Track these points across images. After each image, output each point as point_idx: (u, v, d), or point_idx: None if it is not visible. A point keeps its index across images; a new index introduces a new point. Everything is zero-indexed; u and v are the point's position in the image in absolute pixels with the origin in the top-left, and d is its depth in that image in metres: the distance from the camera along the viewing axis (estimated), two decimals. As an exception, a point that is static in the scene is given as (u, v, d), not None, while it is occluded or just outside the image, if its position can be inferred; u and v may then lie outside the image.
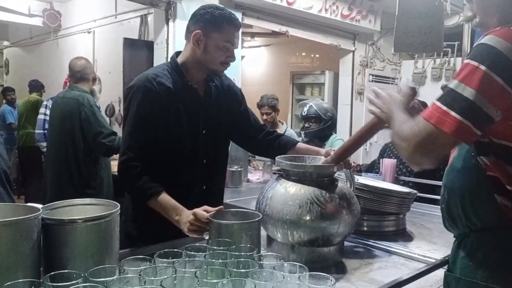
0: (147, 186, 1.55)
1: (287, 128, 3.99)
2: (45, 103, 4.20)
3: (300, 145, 1.88)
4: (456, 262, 1.15)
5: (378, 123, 1.34)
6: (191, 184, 1.71)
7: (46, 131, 3.90)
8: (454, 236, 1.22)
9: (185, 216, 1.47)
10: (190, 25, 1.68)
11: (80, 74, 3.17)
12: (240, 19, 4.46)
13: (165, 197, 1.54)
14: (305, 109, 3.39)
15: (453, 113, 0.99)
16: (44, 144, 3.89)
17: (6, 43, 8.19)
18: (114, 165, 3.49)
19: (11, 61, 8.29)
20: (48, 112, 3.91)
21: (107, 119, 5.44)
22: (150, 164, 1.59)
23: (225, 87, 1.83)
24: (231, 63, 1.71)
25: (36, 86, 6.04)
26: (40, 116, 4.10)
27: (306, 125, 3.39)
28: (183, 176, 1.69)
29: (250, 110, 1.92)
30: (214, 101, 1.76)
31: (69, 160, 3.04)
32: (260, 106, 3.84)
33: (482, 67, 0.98)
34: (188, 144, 1.68)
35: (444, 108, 1.01)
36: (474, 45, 1.04)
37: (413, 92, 1.27)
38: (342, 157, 1.50)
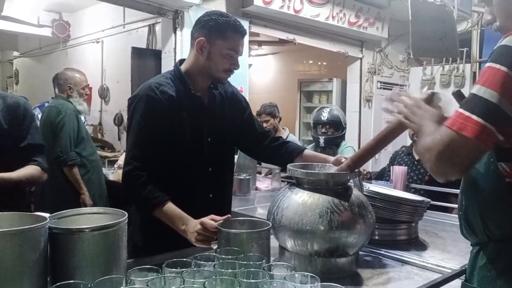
0: (152, 195, 1.53)
1: (289, 135, 3.98)
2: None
3: (307, 152, 1.85)
4: (474, 272, 1.12)
5: (398, 129, 1.31)
6: (197, 193, 1.69)
7: None
8: (471, 245, 1.18)
9: (192, 225, 1.45)
10: (194, 32, 1.66)
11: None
12: (247, 28, 4.50)
13: (170, 207, 1.52)
14: (325, 114, 3.33)
15: (474, 117, 0.96)
16: None
17: (16, 53, 8.29)
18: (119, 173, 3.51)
19: (20, 71, 8.38)
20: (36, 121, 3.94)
21: (115, 128, 5.47)
22: (155, 174, 1.58)
23: (229, 94, 1.81)
24: (237, 71, 1.70)
25: None
26: None
27: (324, 130, 3.35)
28: (189, 184, 1.67)
29: (254, 117, 1.91)
30: (218, 108, 1.74)
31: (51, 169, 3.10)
32: (258, 114, 3.85)
33: (504, 69, 0.95)
34: (193, 153, 1.66)
35: (466, 113, 0.97)
36: (495, 47, 1.01)
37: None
38: (358, 164, 1.47)
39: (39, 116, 3.90)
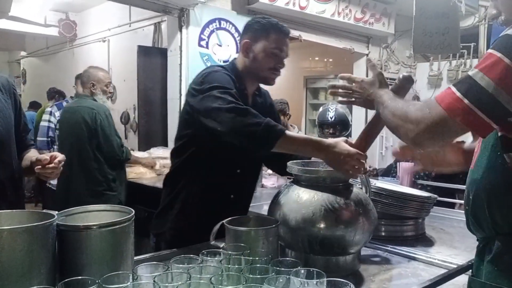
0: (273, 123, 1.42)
1: (299, 133, 3.95)
2: (48, 109, 4.08)
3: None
4: (481, 267, 1.11)
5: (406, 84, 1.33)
6: (220, 192, 1.70)
7: (49, 139, 3.91)
8: (478, 239, 1.17)
9: (345, 147, 1.35)
10: (241, 38, 1.74)
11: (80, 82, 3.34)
12: (253, 25, 4.49)
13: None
14: (331, 113, 3.25)
15: (466, 101, 0.95)
16: (46, 152, 3.91)
17: (23, 53, 8.36)
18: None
19: (28, 71, 8.45)
20: (52, 119, 3.93)
21: (122, 126, 5.50)
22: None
23: (268, 104, 1.86)
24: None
25: (50, 94, 5.97)
26: (44, 123, 3.97)
27: (331, 131, 3.25)
28: (214, 181, 1.68)
29: None
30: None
31: (85, 166, 3.08)
32: None
33: (506, 60, 0.92)
34: (228, 150, 1.61)
35: (458, 94, 0.96)
36: (500, 35, 0.98)
37: (409, 81, 1.24)
38: (364, 149, 1.41)
39: (56, 114, 3.93)
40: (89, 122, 3.04)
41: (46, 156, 1.55)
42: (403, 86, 1.34)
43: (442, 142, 1.03)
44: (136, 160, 3.69)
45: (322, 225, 1.29)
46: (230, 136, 1.43)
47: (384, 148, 5.67)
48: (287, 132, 1.41)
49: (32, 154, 1.70)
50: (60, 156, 1.56)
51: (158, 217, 1.77)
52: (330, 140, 1.40)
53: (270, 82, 1.75)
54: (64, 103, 4.07)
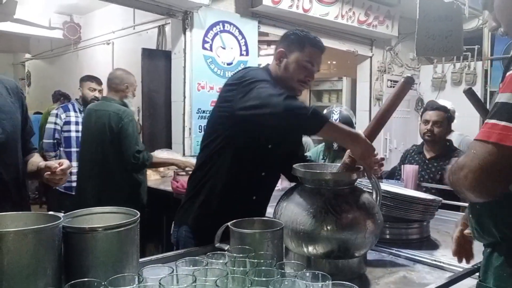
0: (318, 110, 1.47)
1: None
2: (54, 111, 4.07)
3: None
4: (489, 271, 1.10)
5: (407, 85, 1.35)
6: (243, 193, 1.73)
7: (55, 141, 3.92)
8: (484, 246, 1.16)
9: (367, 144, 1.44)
10: (277, 46, 1.78)
11: (108, 84, 3.26)
12: (256, 28, 4.50)
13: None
14: (335, 116, 3.19)
15: None
16: (52, 154, 3.92)
17: (27, 55, 8.40)
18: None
19: (32, 73, 8.49)
20: (58, 121, 3.93)
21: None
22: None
23: None
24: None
25: (55, 96, 5.98)
26: (50, 126, 3.96)
27: None
28: (240, 182, 1.71)
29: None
30: None
31: (114, 173, 3.07)
32: None
33: None
34: (257, 151, 1.71)
35: (503, 123, 0.92)
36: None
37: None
38: (372, 137, 1.46)
39: (62, 116, 3.94)
40: (113, 126, 3.01)
41: (55, 163, 1.58)
42: (406, 84, 1.37)
43: (504, 180, 0.95)
44: (166, 161, 3.47)
45: (322, 228, 1.28)
46: (281, 118, 1.46)
47: (388, 150, 5.66)
48: (331, 120, 1.48)
49: (36, 159, 1.72)
50: (65, 164, 1.58)
51: (181, 209, 1.81)
52: (361, 133, 1.46)
53: (297, 92, 1.78)
54: (70, 106, 4.08)
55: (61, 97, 5.90)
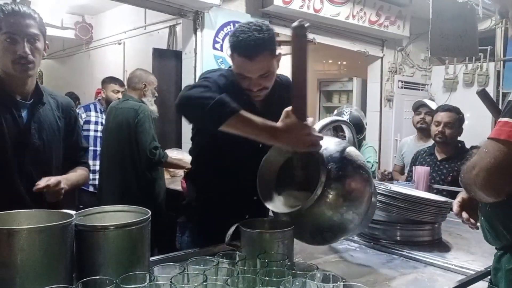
0: (228, 99, 1.30)
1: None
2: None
3: None
4: (499, 274, 1.09)
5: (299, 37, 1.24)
6: (243, 193, 1.68)
7: None
8: (496, 248, 1.15)
9: (299, 125, 1.25)
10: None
11: (128, 83, 3.35)
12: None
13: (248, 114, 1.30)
14: (346, 117, 3.18)
15: None
16: None
17: (40, 55, 8.47)
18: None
19: (45, 73, 8.56)
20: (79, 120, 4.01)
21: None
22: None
23: (276, 97, 1.70)
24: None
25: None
26: None
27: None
28: (238, 183, 1.67)
29: None
30: (275, 115, 1.43)
31: (129, 169, 3.10)
32: None
33: None
34: (248, 153, 1.54)
35: None
36: None
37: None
38: (300, 112, 1.28)
39: (82, 116, 4.04)
40: (130, 121, 3.06)
41: (40, 181, 1.55)
42: (297, 36, 1.23)
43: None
44: (178, 164, 3.42)
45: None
46: (183, 109, 1.37)
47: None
48: (243, 112, 1.27)
49: (72, 173, 1.75)
50: (51, 180, 1.54)
51: (184, 209, 1.80)
52: (279, 124, 1.27)
53: (252, 99, 1.62)
54: (92, 106, 4.19)
55: (76, 100, 6.01)
